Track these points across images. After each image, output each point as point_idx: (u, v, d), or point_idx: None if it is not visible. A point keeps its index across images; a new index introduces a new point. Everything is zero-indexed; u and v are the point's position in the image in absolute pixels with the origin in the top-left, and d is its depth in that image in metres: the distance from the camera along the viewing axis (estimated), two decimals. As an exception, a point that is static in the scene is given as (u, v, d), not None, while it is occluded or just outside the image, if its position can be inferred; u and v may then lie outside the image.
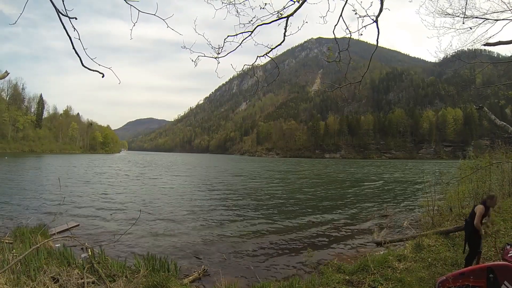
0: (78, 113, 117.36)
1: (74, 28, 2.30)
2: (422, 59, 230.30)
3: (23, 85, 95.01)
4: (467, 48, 6.23)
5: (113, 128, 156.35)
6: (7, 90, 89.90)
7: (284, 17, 3.16)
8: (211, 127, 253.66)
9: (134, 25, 2.48)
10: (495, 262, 3.56)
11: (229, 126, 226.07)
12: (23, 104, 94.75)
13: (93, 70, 2.46)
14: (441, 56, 6.86)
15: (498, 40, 5.23)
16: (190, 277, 5.17)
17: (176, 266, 5.35)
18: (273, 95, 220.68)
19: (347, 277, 4.80)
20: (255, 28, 3.22)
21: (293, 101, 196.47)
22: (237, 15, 3.12)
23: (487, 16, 5.18)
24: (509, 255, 3.56)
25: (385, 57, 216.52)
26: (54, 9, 2.21)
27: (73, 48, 2.34)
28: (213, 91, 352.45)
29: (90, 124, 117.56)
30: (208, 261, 6.22)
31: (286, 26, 3.21)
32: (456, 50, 6.11)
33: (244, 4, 3.08)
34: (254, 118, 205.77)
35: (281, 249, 7.15)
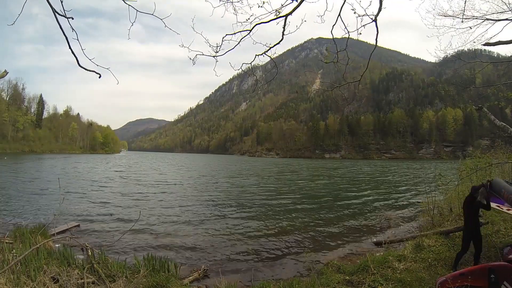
0: (78, 113, 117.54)
1: (73, 29, 2.29)
2: (422, 59, 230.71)
3: (23, 85, 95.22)
4: (467, 48, 6.24)
5: (113, 128, 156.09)
6: (7, 90, 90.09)
7: (283, 16, 3.14)
8: (211, 127, 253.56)
9: (132, 25, 2.49)
10: (496, 263, 3.56)
11: (229, 126, 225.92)
12: (23, 104, 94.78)
13: (90, 70, 2.44)
14: (441, 55, 6.84)
15: (498, 40, 5.23)
16: (190, 277, 5.16)
17: (176, 266, 5.35)
18: (273, 95, 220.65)
19: (347, 277, 4.80)
20: (253, 27, 3.20)
21: (293, 101, 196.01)
22: (235, 13, 3.10)
23: (487, 17, 5.19)
24: (509, 256, 3.55)
25: (385, 57, 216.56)
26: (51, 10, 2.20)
27: (70, 48, 2.33)
28: (213, 91, 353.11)
29: (90, 124, 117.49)
30: (208, 261, 6.22)
31: (284, 25, 3.19)
32: (456, 50, 6.11)
33: (242, 2, 3.06)
34: (254, 118, 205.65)
35: (281, 249, 7.14)
